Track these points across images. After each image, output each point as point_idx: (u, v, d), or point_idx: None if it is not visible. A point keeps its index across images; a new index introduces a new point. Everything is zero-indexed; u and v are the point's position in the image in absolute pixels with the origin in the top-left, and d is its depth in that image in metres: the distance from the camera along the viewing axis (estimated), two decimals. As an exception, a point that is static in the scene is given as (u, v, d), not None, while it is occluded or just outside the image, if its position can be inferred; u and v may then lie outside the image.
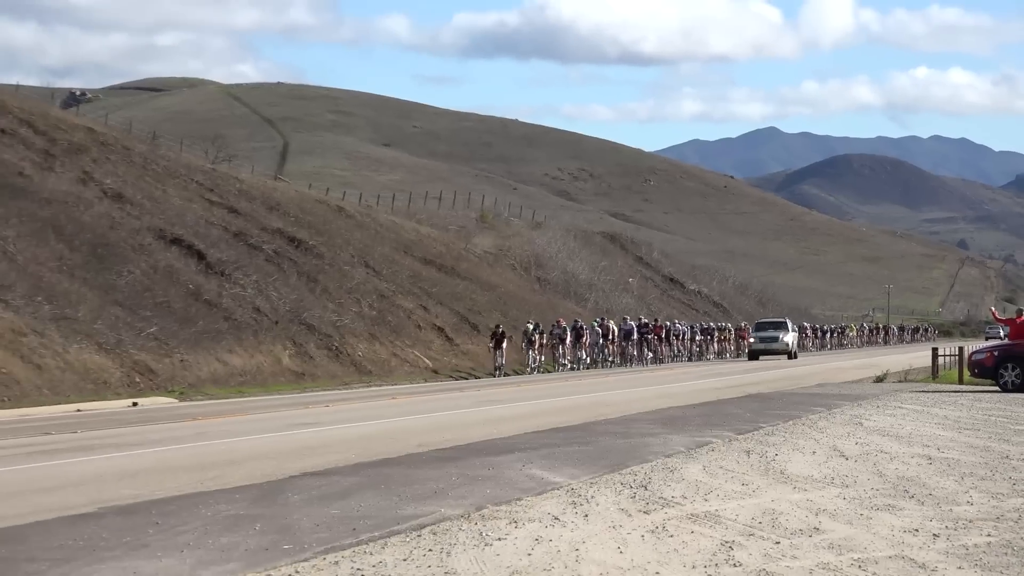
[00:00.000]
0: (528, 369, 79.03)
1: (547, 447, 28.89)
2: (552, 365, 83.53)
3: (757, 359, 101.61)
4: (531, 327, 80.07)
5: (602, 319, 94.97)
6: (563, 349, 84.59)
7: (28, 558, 15.95)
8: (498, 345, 76.23)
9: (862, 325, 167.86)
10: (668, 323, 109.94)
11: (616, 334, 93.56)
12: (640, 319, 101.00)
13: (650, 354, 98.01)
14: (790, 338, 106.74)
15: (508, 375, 76.65)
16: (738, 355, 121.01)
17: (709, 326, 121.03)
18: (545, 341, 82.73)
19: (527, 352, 79.70)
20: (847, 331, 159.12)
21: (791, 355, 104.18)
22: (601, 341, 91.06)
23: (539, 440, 30.67)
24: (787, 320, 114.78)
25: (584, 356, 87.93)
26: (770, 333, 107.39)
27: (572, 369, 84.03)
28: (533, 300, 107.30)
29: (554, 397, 49.82)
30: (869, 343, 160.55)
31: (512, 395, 51.58)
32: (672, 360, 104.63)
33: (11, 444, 31.99)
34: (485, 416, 39.39)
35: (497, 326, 78.46)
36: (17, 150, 73.48)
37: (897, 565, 15.45)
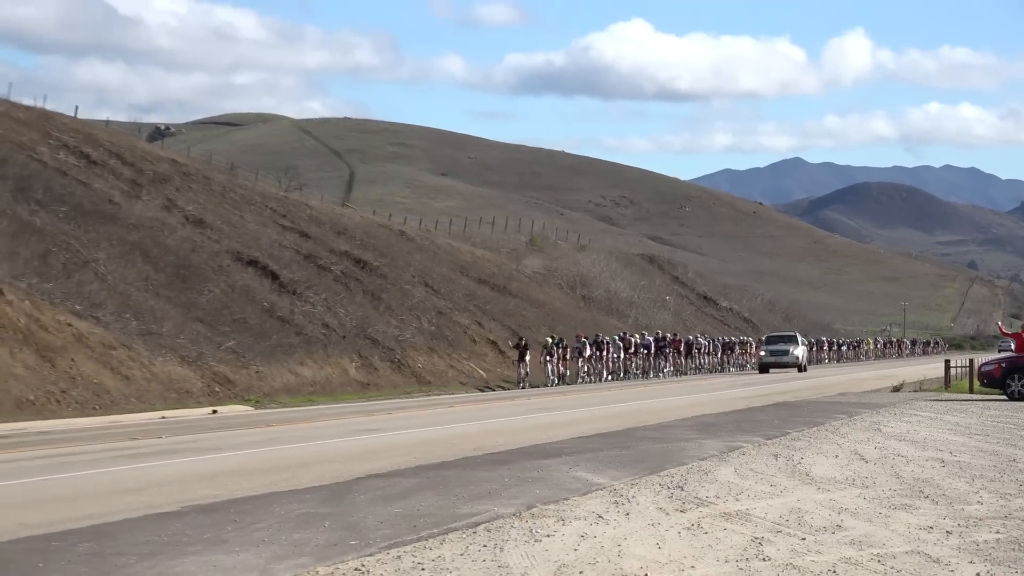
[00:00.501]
0: (549, 381, 74.73)
1: (591, 451, 28.88)
2: (574, 378, 79.28)
3: (767, 372, 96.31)
4: (550, 341, 76.43)
5: (624, 333, 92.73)
6: (582, 362, 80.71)
7: (118, 552, 15.99)
8: (521, 357, 72.83)
9: (877, 339, 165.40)
10: (691, 337, 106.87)
11: (637, 347, 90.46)
12: (658, 333, 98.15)
13: (670, 366, 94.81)
14: (800, 351, 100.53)
15: (534, 387, 72.43)
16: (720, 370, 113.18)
17: (729, 340, 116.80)
18: (569, 356, 78.96)
19: (546, 365, 75.31)
20: (863, 344, 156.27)
21: (801, 368, 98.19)
22: (623, 354, 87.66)
23: (584, 445, 30.67)
24: (797, 334, 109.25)
25: (604, 369, 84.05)
26: (780, 347, 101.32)
27: (591, 381, 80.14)
28: (578, 317, 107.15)
29: (596, 406, 49.76)
30: (883, 356, 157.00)
31: (558, 404, 51.53)
32: (694, 372, 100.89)
33: (102, 448, 32.07)
34: (534, 423, 39.37)
35: (521, 339, 76.13)
36: (107, 180, 73.69)
37: (913, 560, 15.41)
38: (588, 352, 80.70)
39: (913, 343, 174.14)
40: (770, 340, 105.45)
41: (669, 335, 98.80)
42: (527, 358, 72.60)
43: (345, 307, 74.59)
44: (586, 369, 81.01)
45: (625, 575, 14.41)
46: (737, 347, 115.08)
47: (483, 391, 67.51)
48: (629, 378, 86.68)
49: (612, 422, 38.49)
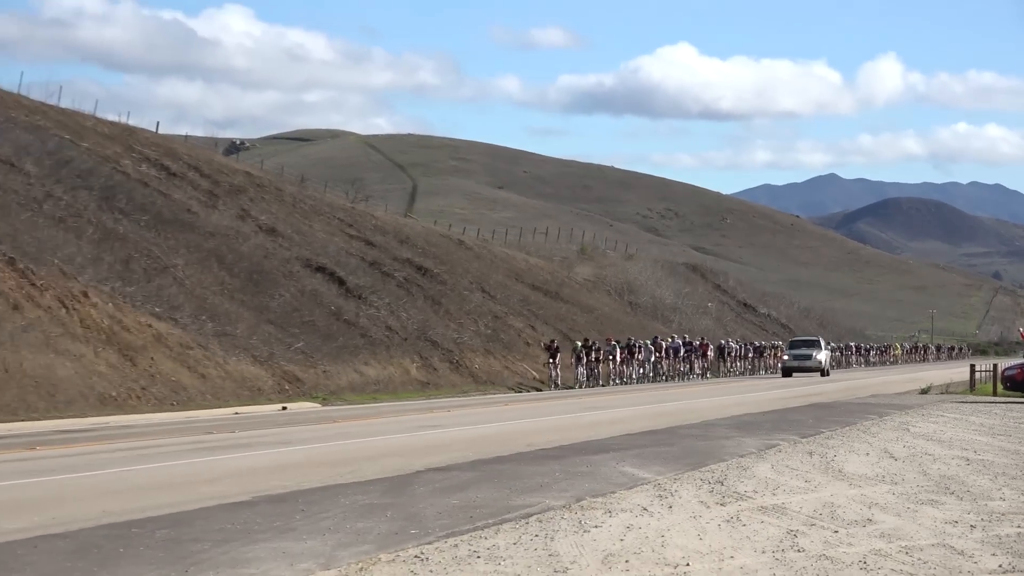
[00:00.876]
0: (577, 384, 72.34)
1: (637, 448, 28.86)
2: (605, 379, 76.94)
3: (790, 376, 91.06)
4: (579, 345, 74.62)
5: (656, 337, 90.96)
6: (612, 365, 78.38)
7: (193, 539, 16.03)
8: (552, 359, 70.92)
9: (903, 344, 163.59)
10: (722, 341, 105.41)
11: (667, 350, 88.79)
12: (685, 337, 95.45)
13: (699, 369, 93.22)
14: (823, 356, 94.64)
15: (567, 388, 70.82)
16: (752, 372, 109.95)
17: (760, 344, 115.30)
18: (598, 358, 76.45)
19: (575, 368, 73.20)
20: (891, 349, 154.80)
21: (824, 372, 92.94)
22: (654, 357, 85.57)
23: (630, 441, 30.64)
24: (820, 338, 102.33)
25: (634, 371, 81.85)
26: (803, 351, 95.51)
27: (623, 383, 77.83)
28: (625, 321, 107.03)
29: (641, 405, 49.70)
30: (910, 361, 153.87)
31: (606, 403, 51.50)
32: (726, 375, 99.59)
33: (178, 442, 32.18)
34: (584, 421, 39.35)
35: (552, 341, 74.46)
36: (186, 191, 73.93)
37: (939, 552, 15.36)
38: (619, 355, 78.83)
39: (938, 348, 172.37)
40: (793, 344, 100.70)
41: (697, 340, 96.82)
42: (558, 360, 70.99)
43: (407, 311, 74.67)
44: (617, 371, 78.74)
45: (668, 564, 14.39)
46: (768, 351, 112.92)
47: (539, 391, 67.41)
48: (661, 380, 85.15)
49: (656, 420, 38.45)
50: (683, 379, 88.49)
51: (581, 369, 73.11)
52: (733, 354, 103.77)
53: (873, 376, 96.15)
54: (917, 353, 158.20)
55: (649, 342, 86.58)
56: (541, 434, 33.33)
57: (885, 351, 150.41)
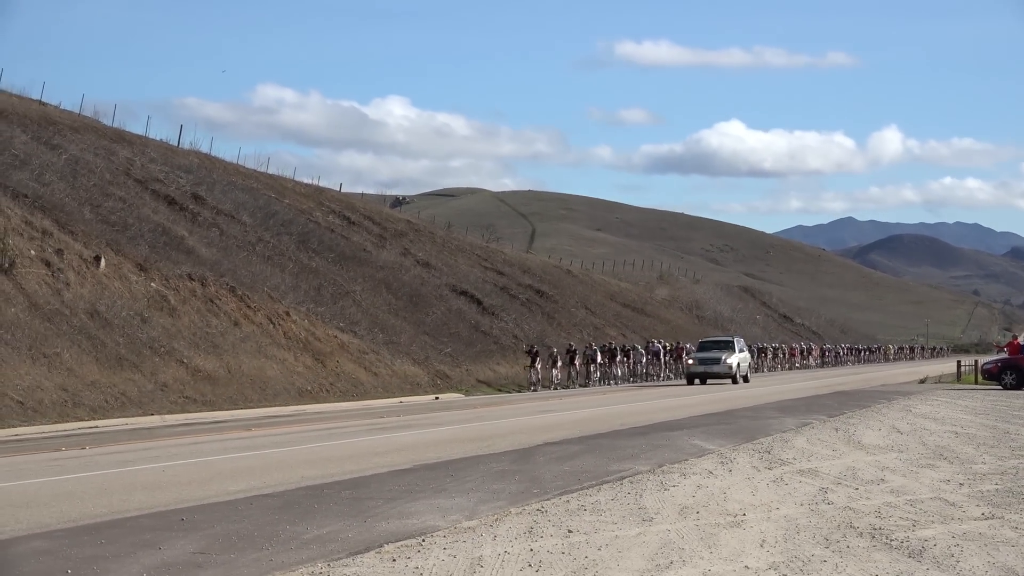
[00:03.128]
0: (553, 385, 59.06)
1: (704, 426, 28.71)
2: (586, 381, 62.88)
3: (693, 383, 61.74)
4: (555, 350, 61.89)
5: (650, 342, 74.82)
6: (594, 367, 63.60)
7: (369, 497, 16.08)
8: (533, 363, 58.23)
9: (891, 345, 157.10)
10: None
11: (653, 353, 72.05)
12: (660, 341, 75.51)
13: (666, 371, 73.01)
14: (734, 360, 62.66)
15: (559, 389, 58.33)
16: (791, 368, 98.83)
17: (763, 346, 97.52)
18: (580, 361, 62.83)
19: (551, 370, 59.68)
20: (883, 349, 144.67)
21: (736, 379, 62.01)
22: (644, 359, 70.63)
23: (698, 422, 30.49)
24: (735, 339, 67.00)
25: (618, 372, 66.11)
26: (712, 354, 62.99)
27: (608, 384, 63.52)
28: (694, 330, 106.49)
29: (704, 394, 49.40)
30: (898, 359, 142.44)
31: (677, 393, 51.25)
32: None
33: (357, 424, 32.31)
34: (662, 406, 39.17)
35: (532, 346, 60.98)
36: (362, 235, 74.34)
37: (936, 504, 15.20)
38: (599, 358, 64.28)
39: (922, 348, 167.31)
40: (701, 347, 66.15)
41: (671, 343, 76.82)
42: (537, 364, 58.31)
43: (528, 324, 74.70)
44: (599, 374, 63.98)
45: (729, 514, 14.29)
46: (769, 352, 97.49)
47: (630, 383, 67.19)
48: (648, 380, 69.82)
49: (717, 406, 38.24)
50: (655, 380, 70.90)
51: (556, 372, 60.08)
52: None
53: (878, 371, 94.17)
54: (904, 353, 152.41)
55: (640, 347, 72.46)
56: (631, 416, 33.24)
57: (876, 351, 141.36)
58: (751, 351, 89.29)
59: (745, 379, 63.53)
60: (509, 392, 54.53)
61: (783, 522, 13.76)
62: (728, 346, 63.75)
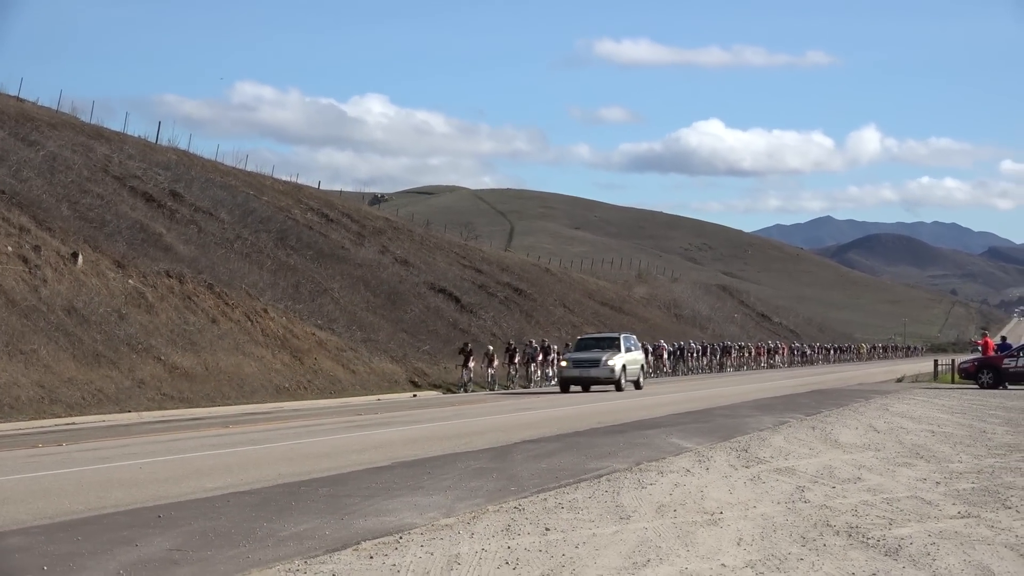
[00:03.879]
0: (488, 385, 55.44)
1: (681, 424, 28.75)
2: (526, 381, 58.94)
3: (568, 390, 50.70)
4: (491, 348, 57.00)
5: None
6: (534, 366, 59.81)
7: (347, 495, 16.07)
8: (466, 362, 53.84)
9: (863, 344, 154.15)
10: (681, 343, 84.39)
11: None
12: (659, 341, 74.43)
13: None
14: (618, 361, 50.42)
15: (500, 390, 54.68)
16: (757, 367, 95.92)
17: (727, 344, 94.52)
18: (519, 360, 58.63)
19: (486, 369, 55.51)
20: (856, 348, 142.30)
21: (620, 385, 50.19)
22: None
23: (676, 420, 30.53)
24: (622, 336, 54.04)
25: (550, 372, 60.19)
26: (591, 354, 51.08)
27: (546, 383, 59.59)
28: (672, 329, 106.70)
29: (682, 392, 49.46)
30: (871, 358, 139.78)
31: (656, 391, 51.27)
32: (686, 373, 79.26)
33: (335, 421, 32.30)
34: (640, 404, 39.21)
35: (465, 344, 55.89)
36: (340, 232, 74.31)
37: (912, 502, 15.25)
38: (540, 356, 60.19)
39: (895, 348, 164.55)
40: (580, 344, 54.24)
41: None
42: (471, 364, 53.91)
43: (507, 322, 74.75)
44: (539, 374, 60.05)
45: (706, 512, 14.31)
46: (734, 351, 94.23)
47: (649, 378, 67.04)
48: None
49: (695, 404, 38.31)
50: None
51: (491, 371, 55.77)
52: (695, 354, 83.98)
53: (854, 370, 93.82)
54: (876, 352, 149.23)
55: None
56: (608, 414, 33.27)
57: (846, 350, 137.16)
58: (715, 349, 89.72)
59: (636, 385, 51.90)
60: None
61: (760, 520, 13.79)
62: (612, 344, 51.58)
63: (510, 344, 59.77)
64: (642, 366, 54.92)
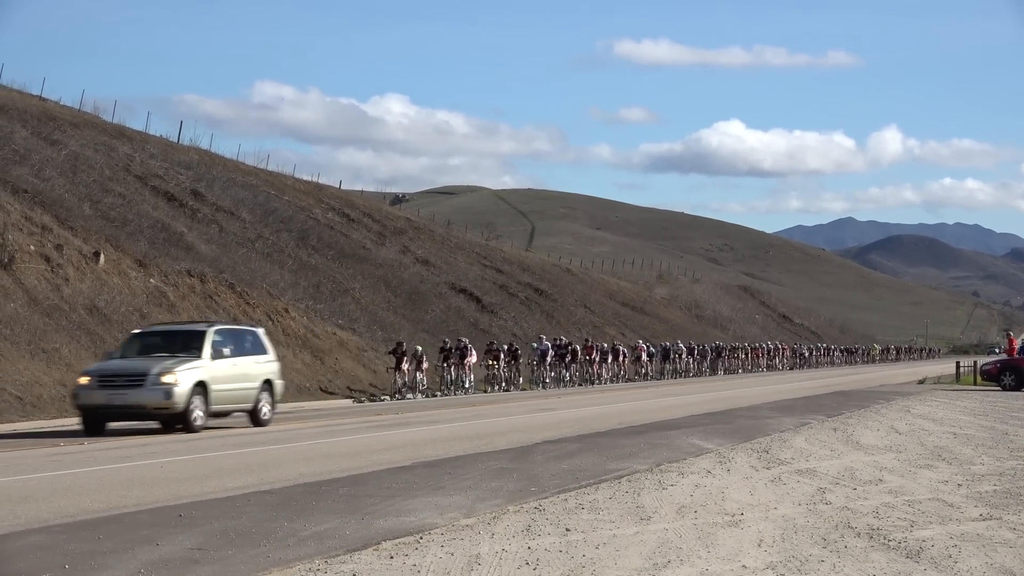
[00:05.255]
0: (417, 391, 47.61)
1: (702, 425, 28.71)
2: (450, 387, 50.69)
3: (98, 430, 27.20)
4: (420, 349, 49.03)
5: (541, 339, 60.53)
6: (499, 367, 53.78)
7: (367, 495, 16.08)
8: (399, 364, 47.27)
9: (876, 346, 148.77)
10: (667, 343, 76.85)
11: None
12: (560, 339, 61.36)
13: (567, 375, 59.35)
14: (188, 377, 26.99)
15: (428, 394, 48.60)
16: (754, 370, 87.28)
17: (717, 345, 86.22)
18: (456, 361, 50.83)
19: (414, 372, 47.79)
20: (871, 351, 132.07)
21: (190, 423, 27.13)
22: (538, 360, 57.44)
23: (697, 421, 30.50)
24: (213, 329, 29.37)
25: (502, 375, 54.50)
26: (139, 363, 27.47)
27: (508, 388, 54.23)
28: (693, 329, 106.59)
29: (702, 393, 49.39)
30: (884, 360, 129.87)
31: (679, 391, 51.25)
32: (672, 376, 72.43)
33: (356, 421, 32.32)
34: (661, 405, 39.18)
35: (399, 343, 48.93)
36: (361, 232, 74.38)
37: (934, 504, 15.20)
38: (474, 358, 52.01)
39: (908, 349, 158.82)
40: (129, 344, 29.63)
41: (572, 343, 62.20)
42: (404, 366, 47.31)
43: (527, 322, 74.77)
44: (471, 377, 51.94)
45: (727, 514, 14.29)
46: (726, 352, 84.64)
47: (628, 382, 66.94)
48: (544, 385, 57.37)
49: (715, 405, 38.26)
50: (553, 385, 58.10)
51: (420, 375, 48.32)
52: (681, 356, 75.89)
53: (872, 372, 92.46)
54: (888, 354, 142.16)
55: (547, 341, 60.28)
56: (629, 415, 33.25)
57: (855, 352, 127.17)
58: (705, 351, 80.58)
59: (254, 418, 30.27)
60: (510, 391, 54.18)
61: (781, 522, 13.76)
62: (190, 344, 28.88)
63: (444, 343, 52.04)
64: (267, 387, 30.49)
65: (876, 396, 44.00)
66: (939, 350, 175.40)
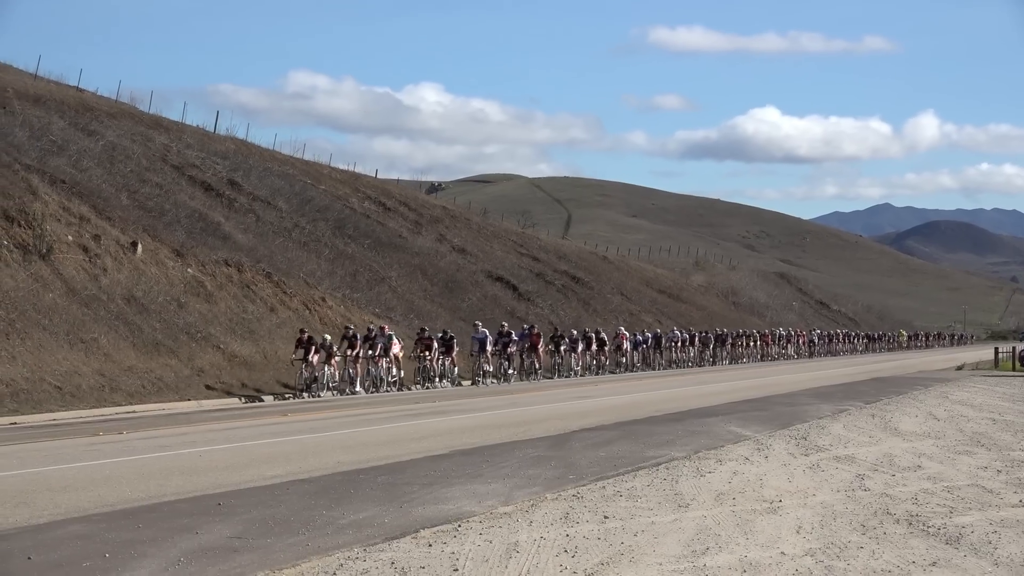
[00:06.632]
0: (323, 388, 40.37)
1: (740, 412, 28.66)
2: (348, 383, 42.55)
3: None
4: (328, 338, 41.81)
5: (531, 327, 54.76)
6: (385, 362, 43.14)
7: (405, 483, 16.12)
8: (306, 356, 39.96)
9: (903, 331, 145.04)
10: (658, 331, 69.86)
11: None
12: (525, 327, 54.74)
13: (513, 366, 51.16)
14: None
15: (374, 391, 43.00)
16: (761, 359, 79.66)
17: (722, 332, 77.50)
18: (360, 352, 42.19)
19: (322, 365, 40.71)
20: (898, 338, 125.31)
21: None
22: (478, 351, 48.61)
23: (734, 408, 30.45)
24: None
25: (434, 369, 45.92)
26: None
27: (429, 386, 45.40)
28: (730, 316, 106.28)
29: (738, 380, 49.28)
30: (910, 347, 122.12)
31: (713, 378, 51.14)
32: (665, 367, 65.39)
33: (392, 410, 32.36)
34: (698, 392, 39.12)
35: (301, 331, 41.25)
36: (398, 221, 74.41)
37: (973, 490, 15.16)
38: (397, 349, 43.71)
39: (938, 335, 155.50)
40: None
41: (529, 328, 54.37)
42: (311, 358, 40.03)
43: (564, 310, 74.68)
44: (392, 372, 43.73)
45: (765, 500, 14.27)
46: (730, 340, 76.96)
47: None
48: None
49: (752, 392, 38.17)
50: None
51: (328, 368, 41.27)
52: (677, 344, 68.84)
53: (910, 358, 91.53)
54: (917, 340, 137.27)
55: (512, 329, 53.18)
56: (666, 402, 33.22)
57: (881, 338, 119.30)
58: (707, 338, 74.14)
59: None
60: (546, 380, 54.03)
61: (819, 508, 13.74)
62: None
63: (348, 329, 43.70)
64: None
65: (914, 382, 43.84)
66: (972, 336, 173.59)
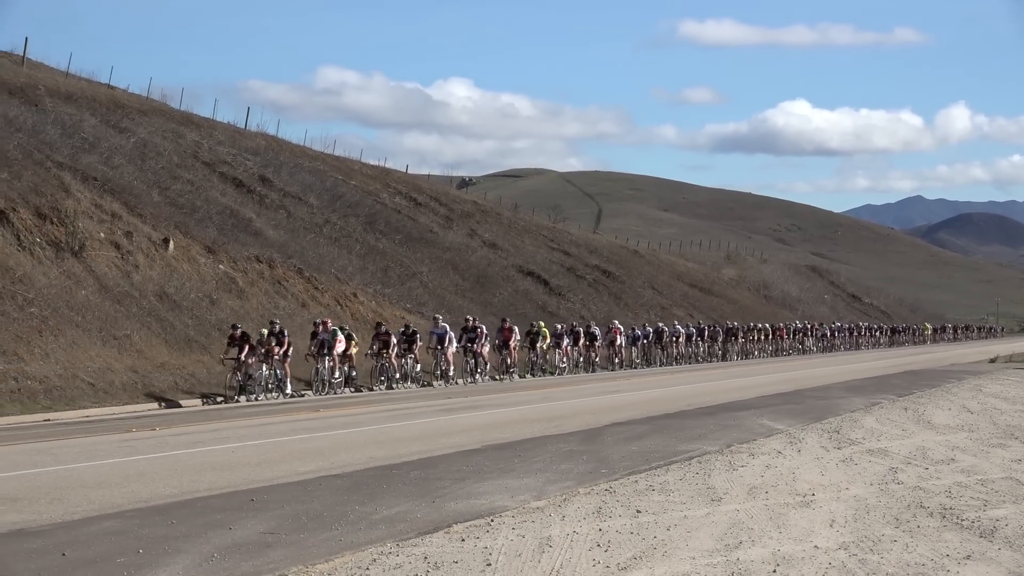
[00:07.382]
0: (257, 390, 35.49)
1: (772, 406, 28.62)
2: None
3: None
4: (265, 333, 36.80)
5: (435, 319, 45.58)
6: (327, 360, 37.90)
7: (437, 478, 16.13)
8: (240, 355, 35.01)
9: (928, 325, 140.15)
10: (660, 324, 64.13)
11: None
12: (504, 320, 48.88)
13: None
14: None
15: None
16: (773, 354, 75.47)
17: (732, 326, 72.73)
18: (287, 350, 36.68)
19: (259, 364, 35.88)
20: (923, 331, 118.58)
21: None
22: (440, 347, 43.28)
23: (767, 402, 30.41)
24: None
25: (395, 367, 40.99)
26: None
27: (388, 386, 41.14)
28: (762, 310, 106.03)
29: (772, 374, 49.16)
30: (936, 341, 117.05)
31: (746, 372, 51.06)
32: (667, 363, 61.49)
33: (425, 405, 32.38)
34: (730, 386, 39.06)
35: (234, 326, 36.26)
36: (429, 216, 74.47)
37: (1007, 483, 15.11)
38: (345, 347, 39.24)
39: (965, 328, 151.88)
40: None
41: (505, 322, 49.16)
42: (245, 356, 35.01)
43: (595, 304, 74.65)
44: (343, 373, 39.21)
45: (798, 494, 14.24)
46: (741, 334, 72.99)
47: (691, 363, 66.55)
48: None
49: (785, 386, 38.12)
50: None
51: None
52: (679, 339, 64.26)
53: (943, 351, 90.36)
54: (945, 333, 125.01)
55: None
56: (699, 396, 33.18)
57: (904, 331, 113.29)
58: (715, 332, 70.17)
59: None
60: (577, 374, 53.90)
61: (853, 502, 13.70)
62: None
63: (273, 324, 37.78)
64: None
65: (947, 375, 43.69)
66: (1002, 328, 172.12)
